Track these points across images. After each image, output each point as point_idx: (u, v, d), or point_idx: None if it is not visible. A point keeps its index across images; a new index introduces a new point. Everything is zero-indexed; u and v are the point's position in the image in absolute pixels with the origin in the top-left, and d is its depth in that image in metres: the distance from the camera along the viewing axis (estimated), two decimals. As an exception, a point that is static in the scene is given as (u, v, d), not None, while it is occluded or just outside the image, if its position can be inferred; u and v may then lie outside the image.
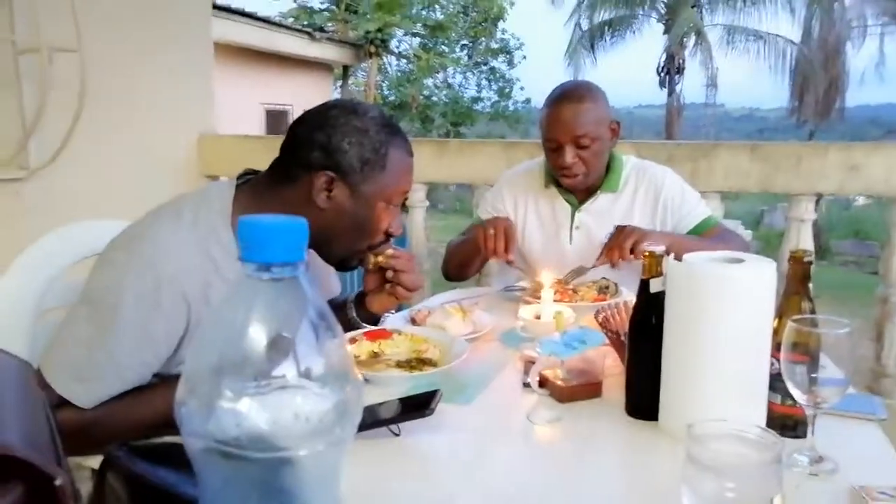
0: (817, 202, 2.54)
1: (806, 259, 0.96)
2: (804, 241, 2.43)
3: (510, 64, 20.48)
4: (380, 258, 1.29)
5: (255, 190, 1.19)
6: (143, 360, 1.07)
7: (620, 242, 1.59)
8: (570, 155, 1.76)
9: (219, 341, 0.40)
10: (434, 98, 19.45)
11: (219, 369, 0.39)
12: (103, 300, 1.06)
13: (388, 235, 1.26)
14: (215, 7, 7.68)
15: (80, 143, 2.55)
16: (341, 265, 1.30)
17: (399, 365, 1.24)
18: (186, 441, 0.39)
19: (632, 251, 1.58)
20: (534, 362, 1.19)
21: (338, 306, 1.42)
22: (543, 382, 1.12)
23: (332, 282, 1.50)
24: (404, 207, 2.93)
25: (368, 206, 1.19)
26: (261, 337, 0.39)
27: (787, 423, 0.96)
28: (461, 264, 1.92)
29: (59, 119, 2.46)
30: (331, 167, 1.15)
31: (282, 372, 0.39)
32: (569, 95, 1.80)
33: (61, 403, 1.03)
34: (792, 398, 0.89)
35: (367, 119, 1.17)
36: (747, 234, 2.28)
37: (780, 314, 0.96)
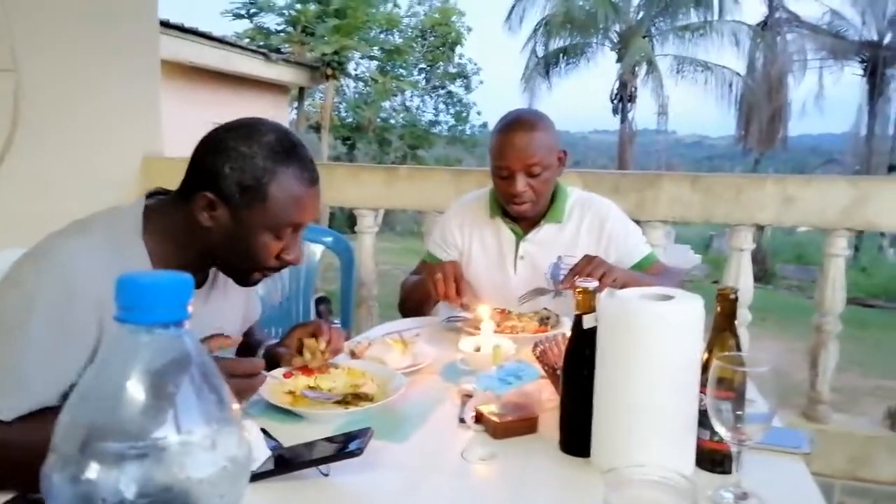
0: (760, 230, 2.61)
1: (732, 296, 0.98)
2: (745, 270, 2.49)
3: (467, 88, 20.75)
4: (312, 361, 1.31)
5: (164, 208, 1.18)
6: (56, 379, 1.00)
7: (589, 270, 1.57)
8: (521, 183, 1.76)
9: (93, 404, 0.37)
10: (392, 121, 19.51)
11: (93, 433, 0.36)
12: (11, 320, 1.02)
13: (283, 262, 1.20)
14: (169, 26, 7.58)
15: (15, 164, 2.46)
16: (239, 282, 1.25)
17: (335, 401, 1.21)
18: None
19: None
20: (471, 397, 1.19)
21: (259, 344, 1.41)
22: (479, 418, 1.11)
23: (253, 304, 1.46)
24: (353, 231, 2.90)
25: (251, 234, 1.15)
26: (138, 397, 0.37)
27: (714, 458, 0.97)
28: (416, 306, 1.91)
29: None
30: (212, 190, 1.12)
31: (162, 433, 0.37)
32: (521, 123, 1.79)
33: None
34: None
35: (257, 145, 1.12)
36: (696, 258, 2.34)
37: (709, 349, 0.97)
